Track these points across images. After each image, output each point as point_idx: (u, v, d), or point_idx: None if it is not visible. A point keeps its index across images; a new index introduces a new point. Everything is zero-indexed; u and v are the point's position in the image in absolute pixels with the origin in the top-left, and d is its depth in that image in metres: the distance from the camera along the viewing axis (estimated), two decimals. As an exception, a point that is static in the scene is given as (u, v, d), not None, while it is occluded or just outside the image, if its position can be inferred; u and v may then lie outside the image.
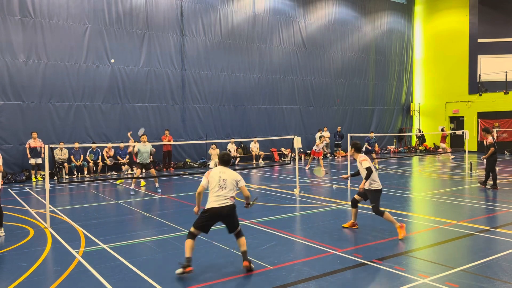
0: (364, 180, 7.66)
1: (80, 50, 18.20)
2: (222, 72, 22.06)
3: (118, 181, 15.53)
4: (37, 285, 5.60)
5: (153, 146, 19.09)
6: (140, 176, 13.51)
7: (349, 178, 8.34)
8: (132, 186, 13.05)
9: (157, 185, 13.31)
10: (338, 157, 24.34)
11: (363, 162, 7.69)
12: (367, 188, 7.69)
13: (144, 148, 13.18)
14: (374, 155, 18.84)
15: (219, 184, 5.99)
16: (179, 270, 5.72)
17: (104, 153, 18.23)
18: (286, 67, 24.34)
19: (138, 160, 13.28)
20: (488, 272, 5.75)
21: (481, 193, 12.04)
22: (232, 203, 6.01)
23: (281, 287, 5.35)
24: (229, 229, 6.10)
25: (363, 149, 19.39)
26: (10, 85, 16.79)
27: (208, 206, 5.94)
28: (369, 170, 7.57)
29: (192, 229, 5.98)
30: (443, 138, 24.34)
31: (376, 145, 19.79)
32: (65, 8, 17.85)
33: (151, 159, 13.81)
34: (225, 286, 5.46)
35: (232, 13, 22.37)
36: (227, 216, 5.96)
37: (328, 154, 24.89)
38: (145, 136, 13.52)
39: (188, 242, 5.87)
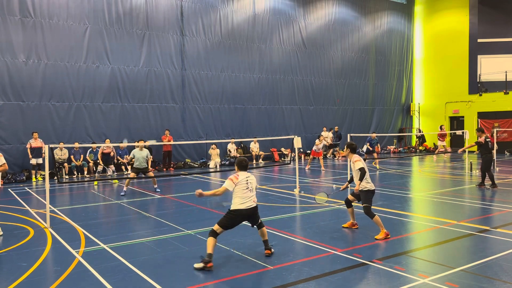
0: (358, 182, 7.67)
1: (80, 50, 18.20)
2: (222, 72, 22.06)
3: (95, 183, 15.36)
4: (37, 285, 5.60)
5: (153, 146, 19.24)
6: (133, 178, 13.63)
7: (348, 186, 8.42)
8: (125, 188, 12.89)
9: (155, 186, 13.28)
10: (337, 158, 24.32)
11: (356, 163, 7.69)
12: (359, 188, 7.71)
13: (140, 153, 13.09)
14: (375, 155, 18.83)
15: (247, 187, 6.52)
16: (200, 265, 6.02)
17: (100, 150, 17.92)
18: (286, 67, 24.34)
19: (134, 165, 13.20)
20: (488, 272, 5.75)
21: (481, 193, 12.03)
22: (256, 204, 6.58)
23: (281, 287, 5.35)
24: (252, 224, 6.66)
25: (364, 149, 19.35)
26: (10, 85, 16.79)
27: (235, 207, 6.38)
28: (362, 171, 7.58)
29: (216, 227, 6.32)
30: (442, 136, 24.32)
31: (378, 145, 19.74)
32: (65, 8, 17.85)
33: (150, 162, 13.75)
34: (225, 286, 5.46)
35: (232, 13, 22.37)
36: (252, 215, 6.52)
37: (329, 154, 24.86)
38: (142, 141, 13.57)
39: (211, 240, 6.20)
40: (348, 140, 14.02)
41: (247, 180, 6.56)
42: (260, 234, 6.71)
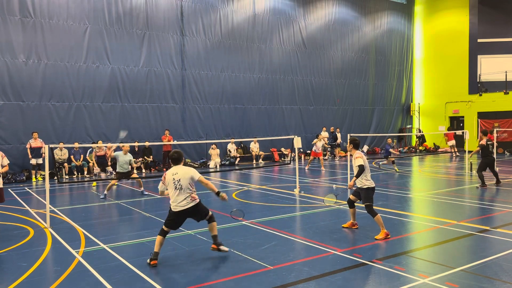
0: (354, 178, 7.71)
1: (80, 50, 18.20)
2: (222, 72, 22.06)
3: (93, 184, 15.10)
4: (37, 285, 5.60)
5: (153, 146, 19.24)
6: (115, 184, 13.81)
7: (355, 185, 8.14)
8: (105, 192, 12.34)
9: (141, 189, 12.75)
10: (336, 157, 24.30)
11: (357, 159, 7.71)
12: (359, 186, 7.74)
13: (123, 157, 12.36)
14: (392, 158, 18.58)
15: (175, 187, 6.20)
16: (147, 261, 6.21)
17: (93, 153, 17.77)
18: (286, 67, 24.34)
19: (117, 169, 12.52)
20: (488, 272, 5.75)
21: (481, 193, 12.03)
22: (193, 203, 6.29)
23: (281, 287, 5.35)
24: (198, 220, 6.51)
25: (365, 149, 19.22)
26: (10, 85, 16.80)
27: (171, 207, 6.34)
28: (360, 168, 7.60)
29: (164, 226, 6.38)
30: (452, 137, 24.35)
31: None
32: (65, 8, 17.85)
33: (134, 166, 13.25)
34: (225, 286, 5.46)
35: (232, 13, 22.37)
36: (192, 214, 6.36)
37: (328, 155, 24.86)
38: (127, 146, 12.69)
39: (158, 238, 6.31)
40: (348, 141, 14.04)
41: (173, 178, 6.16)
42: (209, 228, 6.49)
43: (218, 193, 6.49)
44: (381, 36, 28.67)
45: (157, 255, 6.21)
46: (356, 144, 8.01)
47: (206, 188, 6.44)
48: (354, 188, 7.96)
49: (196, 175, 6.26)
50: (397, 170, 17.67)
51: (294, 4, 24.68)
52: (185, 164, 22.62)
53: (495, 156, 14.12)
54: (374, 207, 7.67)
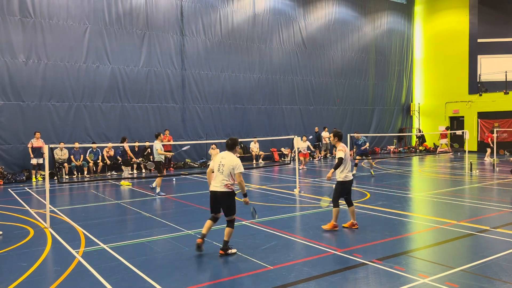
0: (332, 169, 7.92)
1: (80, 50, 18.20)
2: (222, 72, 22.06)
3: (126, 183, 14.95)
4: (37, 285, 5.60)
5: (153, 146, 19.20)
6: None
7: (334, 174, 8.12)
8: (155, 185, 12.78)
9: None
10: (316, 158, 24.09)
11: (339, 151, 7.93)
12: (336, 178, 7.94)
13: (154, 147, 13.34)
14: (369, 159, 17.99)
15: (218, 169, 6.62)
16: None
17: (104, 153, 18.22)
18: (286, 67, 24.34)
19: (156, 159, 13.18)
20: (488, 272, 5.75)
21: (481, 193, 12.03)
22: (222, 190, 6.55)
23: (281, 287, 5.35)
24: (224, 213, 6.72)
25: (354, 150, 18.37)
26: (10, 85, 16.79)
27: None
28: (339, 161, 7.81)
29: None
30: (444, 135, 24.31)
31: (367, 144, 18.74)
32: (65, 8, 17.84)
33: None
34: (225, 286, 5.46)
35: (232, 13, 22.37)
36: (216, 200, 6.60)
37: (328, 154, 24.84)
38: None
39: (207, 222, 6.73)
40: (348, 142, 14.04)
41: (220, 161, 6.67)
42: (225, 232, 6.64)
43: (245, 195, 6.71)
44: (381, 36, 28.67)
45: (204, 236, 6.62)
46: (340, 136, 8.14)
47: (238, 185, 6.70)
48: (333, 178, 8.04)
49: (238, 169, 6.57)
50: (372, 173, 16.97)
51: (294, 4, 24.68)
52: (185, 164, 22.51)
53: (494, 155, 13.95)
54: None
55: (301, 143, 18.56)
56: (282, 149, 23.76)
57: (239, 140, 23.45)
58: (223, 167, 6.53)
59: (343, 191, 8.00)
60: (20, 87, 16.97)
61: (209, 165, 18.00)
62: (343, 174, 7.90)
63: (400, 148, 28.87)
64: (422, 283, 5.38)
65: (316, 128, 24.78)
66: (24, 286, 5.56)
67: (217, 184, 6.52)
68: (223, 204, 6.56)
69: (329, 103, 26.25)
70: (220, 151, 20.92)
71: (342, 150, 7.86)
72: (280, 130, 23.99)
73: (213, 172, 6.72)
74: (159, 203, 11.46)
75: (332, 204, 8.09)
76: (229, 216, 6.61)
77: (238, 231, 8.08)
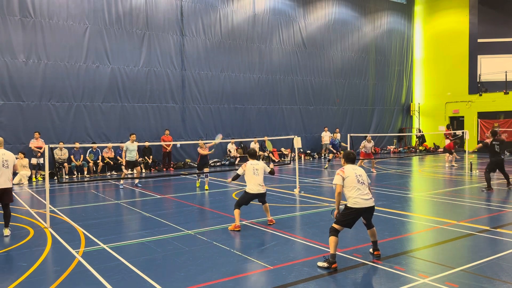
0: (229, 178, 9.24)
1: (80, 50, 18.20)
2: (222, 72, 22.06)
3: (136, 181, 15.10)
4: (37, 285, 5.60)
5: (152, 146, 19.24)
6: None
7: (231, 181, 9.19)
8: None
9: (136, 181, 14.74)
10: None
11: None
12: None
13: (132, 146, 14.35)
14: (336, 155, 17.59)
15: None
16: (324, 264, 5.98)
17: (104, 154, 18.23)
18: (286, 67, 24.34)
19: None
20: (488, 272, 5.75)
21: (481, 193, 12.03)
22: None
23: (281, 287, 5.35)
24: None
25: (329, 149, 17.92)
26: (10, 85, 16.79)
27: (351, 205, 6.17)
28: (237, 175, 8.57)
29: (337, 226, 6.16)
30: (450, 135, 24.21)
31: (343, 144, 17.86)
32: (65, 8, 17.85)
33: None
34: (225, 286, 5.46)
35: (232, 13, 22.37)
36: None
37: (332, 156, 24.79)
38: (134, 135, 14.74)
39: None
40: (348, 142, 14.03)
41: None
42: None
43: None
44: (381, 36, 28.67)
45: (334, 257, 6.00)
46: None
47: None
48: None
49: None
50: (325, 167, 17.68)
51: (294, 4, 24.68)
52: (185, 164, 22.48)
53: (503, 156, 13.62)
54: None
55: (367, 144, 17.57)
56: (282, 149, 23.75)
57: (239, 140, 23.30)
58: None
59: (246, 198, 8.49)
60: (20, 87, 16.97)
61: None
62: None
63: (400, 148, 28.86)
64: (422, 283, 5.38)
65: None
66: (24, 286, 5.56)
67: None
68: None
69: (329, 103, 26.25)
70: (219, 151, 20.96)
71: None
72: (280, 130, 23.99)
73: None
74: (159, 203, 11.46)
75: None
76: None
77: (238, 231, 8.09)
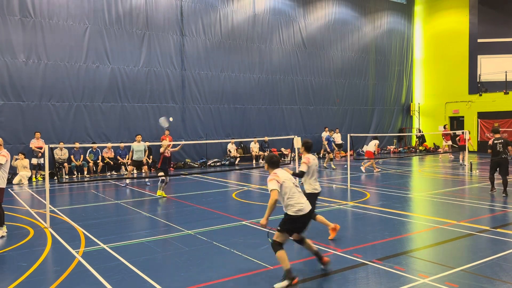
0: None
1: (80, 50, 18.20)
2: (222, 72, 22.06)
3: (159, 193, 12.40)
4: (37, 285, 5.60)
5: (152, 146, 19.22)
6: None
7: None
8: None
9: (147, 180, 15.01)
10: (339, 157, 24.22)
11: (302, 164, 7.23)
12: (305, 190, 7.30)
13: (137, 147, 14.70)
14: (333, 155, 17.63)
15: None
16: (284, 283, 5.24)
17: (104, 154, 18.23)
18: (286, 67, 24.34)
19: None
20: (488, 272, 5.75)
21: (481, 193, 12.03)
22: None
23: (281, 287, 5.34)
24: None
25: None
26: (10, 85, 16.79)
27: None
28: (300, 174, 7.23)
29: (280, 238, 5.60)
30: (448, 137, 24.24)
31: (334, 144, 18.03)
32: (65, 8, 17.85)
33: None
34: (225, 286, 5.46)
35: (232, 13, 22.37)
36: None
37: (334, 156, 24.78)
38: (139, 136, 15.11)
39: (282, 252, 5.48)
40: (348, 141, 14.03)
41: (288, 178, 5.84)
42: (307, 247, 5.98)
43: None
44: (381, 36, 28.67)
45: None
46: (307, 147, 7.35)
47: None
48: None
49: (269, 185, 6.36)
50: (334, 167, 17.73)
51: (294, 4, 24.68)
52: (185, 164, 22.47)
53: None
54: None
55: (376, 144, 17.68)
56: (282, 149, 23.75)
57: (239, 140, 23.25)
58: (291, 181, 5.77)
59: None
60: (20, 87, 16.97)
61: (209, 164, 17.55)
62: (311, 186, 7.31)
63: (400, 148, 28.86)
64: (422, 283, 5.38)
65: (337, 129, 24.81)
66: (24, 286, 5.56)
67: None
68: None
69: (329, 103, 26.25)
70: (217, 150, 20.92)
71: (306, 163, 7.14)
72: (280, 130, 23.99)
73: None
74: (159, 203, 11.45)
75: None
76: None
77: (238, 231, 8.09)
